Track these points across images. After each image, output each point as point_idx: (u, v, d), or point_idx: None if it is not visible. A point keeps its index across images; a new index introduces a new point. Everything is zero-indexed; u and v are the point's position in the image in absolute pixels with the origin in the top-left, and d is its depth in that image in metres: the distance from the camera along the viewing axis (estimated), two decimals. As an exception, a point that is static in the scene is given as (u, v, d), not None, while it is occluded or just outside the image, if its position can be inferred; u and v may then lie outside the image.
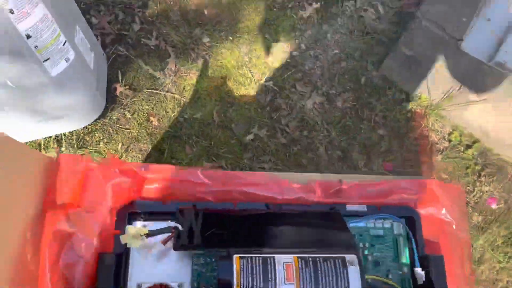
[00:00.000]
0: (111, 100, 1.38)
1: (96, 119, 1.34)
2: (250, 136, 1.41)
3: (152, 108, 1.41)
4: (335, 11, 1.65)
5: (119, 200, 0.80)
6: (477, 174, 1.49)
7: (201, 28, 1.55)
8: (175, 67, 1.48)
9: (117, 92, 1.39)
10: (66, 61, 1.15)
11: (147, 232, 0.76)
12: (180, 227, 0.78)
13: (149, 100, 1.41)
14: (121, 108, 1.38)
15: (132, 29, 1.51)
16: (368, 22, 1.65)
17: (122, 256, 0.79)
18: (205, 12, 1.58)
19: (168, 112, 1.41)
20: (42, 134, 1.29)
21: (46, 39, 1.07)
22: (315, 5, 1.64)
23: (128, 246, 0.74)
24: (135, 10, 1.55)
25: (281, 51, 1.56)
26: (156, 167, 0.87)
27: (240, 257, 0.73)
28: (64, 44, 1.12)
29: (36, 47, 1.05)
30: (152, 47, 1.50)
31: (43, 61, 1.09)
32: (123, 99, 1.39)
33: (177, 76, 1.47)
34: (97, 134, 1.34)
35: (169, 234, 0.78)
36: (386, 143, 1.48)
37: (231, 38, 1.55)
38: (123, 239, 0.74)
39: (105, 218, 0.78)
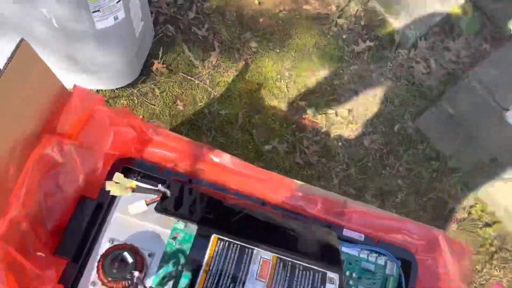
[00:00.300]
0: (146, 73, 1.39)
1: (126, 86, 1.35)
2: (268, 147, 1.37)
3: (182, 92, 1.40)
4: (386, 54, 1.63)
5: (118, 149, 0.78)
6: (490, 255, 1.39)
7: (251, 33, 1.56)
8: (216, 61, 1.48)
9: (154, 68, 1.40)
10: (114, 19, 1.17)
11: (134, 185, 0.73)
12: (168, 193, 0.75)
13: (181, 85, 1.41)
14: (152, 84, 1.38)
15: (187, 16, 1.54)
16: (417, 74, 1.62)
17: (103, 206, 0.76)
18: (260, 20, 1.60)
19: (196, 100, 1.40)
20: (71, 84, 1.30)
21: (102, -8, 1.09)
22: (369, 43, 1.63)
23: (111, 194, 0.71)
24: (195, 1, 1.58)
25: (322, 77, 1.55)
26: (166, 132, 0.85)
27: (219, 238, 0.69)
28: (117, 2, 1.14)
29: (91, -5, 1.08)
30: (200, 37, 1.51)
31: (93, 12, 1.11)
32: (157, 76, 1.40)
33: (215, 71, 1.47)
34: (121, 101, 1.34)
35: (155, 196, 0.75)
36: (403, 196, 1.41)
37: (278, 50, 1.55)
38: (109, 185, 0.71)
39: (97, 162, 0.75)
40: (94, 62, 1.23)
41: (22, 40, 0.65)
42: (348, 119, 1.50)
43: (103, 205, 0.76)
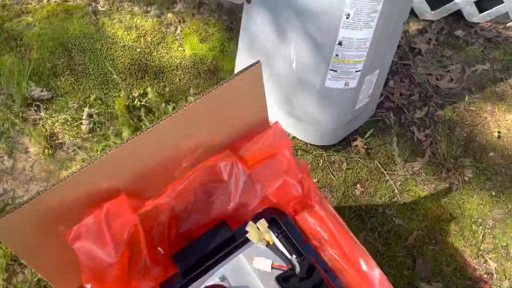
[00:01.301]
0: (343, 144, 1.35)
1: (319, 146, 1.33)
2: (426, 287, 1.15)
3: (367, 180, 1.31)
4: None
5: (278, 197, 0.74)
6: None
7: (472, 161, 1.37)
8: (419, 169, 1.35)
9: (354, 143, 1.35)
10: (345, 85, 1.17)
11: (271, 241, 0.68)
12: (298, 269, 0.67)
13: (371, 172, 1.32)
14: (343, 156, 1.34)
15: (414, 113, 1.45)
16: None
17: (235, 241, 0.72)
18: (490, 154, 1.39)
19: (376, 195, 1.29)
20: (271, 117, 1.35)
21: (348, 56, 1.10)
22: None
23: (247, 235, 0.67)
24: (430, 103, 1.48)
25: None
26: (331, 210, 0.78)
27: None
28: (356, 71, 1.14)
29: (337, 55, 1.10)
30: (415, 139, 1.40)
31: (330, 69, 1.14)
32: (352, 152, 1.35)
33: (412, 177, 1.33)
34: (308, 156, 1.33)
35: (284, 265, 0.68)
36: None
37: (493, 193, 1.32)
38: (250, 226, 0.67)
39: (254, 200, 0.73)
40: (305, 112, 1.25)
41: (258, 62, 0.68)
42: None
43: (236, 240, 0.73)
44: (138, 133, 0.59)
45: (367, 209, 1.26)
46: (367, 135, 1.36)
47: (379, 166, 1.34)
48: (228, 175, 0.69)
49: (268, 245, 0.67)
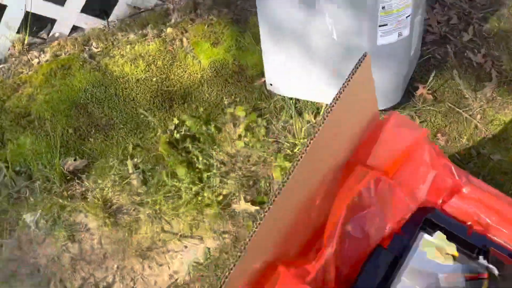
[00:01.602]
0: (406, 98, 1.23)
1: (382, 109, 1.21)
2: None
3: (446, 125, 1.20)
4: None
5: (431, 196, 0.63)
6: None
7: (543, 65, 1.25)
8: (491, 94, 1.23)
9: (418, 93, 1.23)
10: (398, 35, 1.04)
11: (456, 253, 0.57)
12: (495, 272, 0.56)
13: (446, 116, 1.21)
14: (412, 110, 1.22)
15: (461, 37, 1.32)
16: None
17: (397, 262, 0.62)
18: (557, 50, 1.27)
19: (461, 137, 1.18)
20: (327, 99, 1.23)
21: (395, 4, 0.97)
22: None
23: (428, 256, 0.56)
24: (473, 20, 1.35)
25: None
26: (483, 186, 0.67)
27: None
28: (407, 17, 1.01)
29: (383, 7, 0.97)
30: (474, 64, 1.28)
31: (379, 25, 1.00)
32: (419, 103, 1.23)
33: (489, 105, 1.22)
34: (375, 124, 1.21)
35: (478, 273, 0.57)
36: None
37: None
38: (425, 245, 0.56)
39: (408, 211, 0.62)
40: (361, 80, 1.13)
41: (365, 54, 0.55)
42: None
43: (398, 260, 0.62)
44: (273, 199, 0.47)
45: (460, 156, 1.15)
46: (430, 79, 1.23)
47: (452, 106, 1.22)
48: (375, 195, 0.57)
49: (455, 258, 0.56)
